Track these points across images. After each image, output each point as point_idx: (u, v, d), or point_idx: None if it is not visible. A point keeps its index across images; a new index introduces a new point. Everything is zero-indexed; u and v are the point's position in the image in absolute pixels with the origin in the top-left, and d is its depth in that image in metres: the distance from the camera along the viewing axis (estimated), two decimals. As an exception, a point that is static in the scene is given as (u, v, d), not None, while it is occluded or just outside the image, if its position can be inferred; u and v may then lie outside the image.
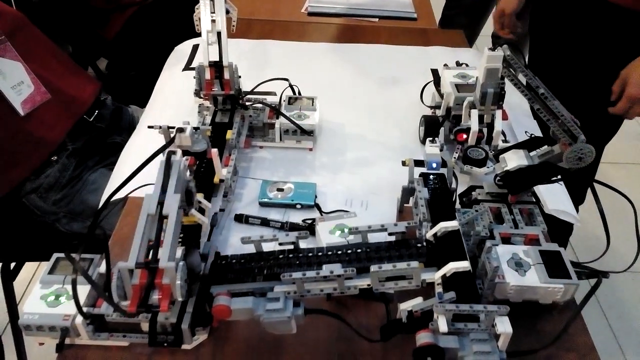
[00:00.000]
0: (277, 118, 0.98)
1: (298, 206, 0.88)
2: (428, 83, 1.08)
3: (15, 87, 1.04)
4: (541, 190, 0.89)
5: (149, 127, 0.80)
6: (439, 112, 1.00)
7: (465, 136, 0.87)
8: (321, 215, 0.87)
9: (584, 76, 1.18)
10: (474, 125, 0.74)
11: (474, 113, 0.74)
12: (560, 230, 0.84)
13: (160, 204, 0.60)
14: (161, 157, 0.67)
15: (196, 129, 0.77)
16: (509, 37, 1.34)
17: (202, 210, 0.73)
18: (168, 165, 0.63)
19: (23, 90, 1.06)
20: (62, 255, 0.71)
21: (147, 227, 0.58)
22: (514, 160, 0.77)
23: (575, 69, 1.18)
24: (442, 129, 0.95)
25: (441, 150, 0.85)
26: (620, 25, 1.09)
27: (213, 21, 0.89)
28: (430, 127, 0.97)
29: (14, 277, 1.24)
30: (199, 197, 0.71)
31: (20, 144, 1.06)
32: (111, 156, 1.18)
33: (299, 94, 1.08)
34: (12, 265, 1.23)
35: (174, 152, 0.65)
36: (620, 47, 1.13)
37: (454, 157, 0.91)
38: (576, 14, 1.15)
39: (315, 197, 0.90)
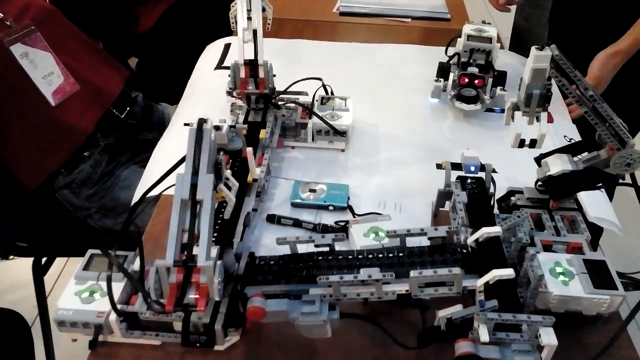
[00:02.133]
0: (310, 118, 0.97)
1: (330, 208, 0.87)
2: (454, 38, 1.15)
3: (45, 77, 1.06)
4: (582, 197, 0.85)
5: (185, 124, 0.79)
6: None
7: (467, 80, 1.02)
8: (354, 217, 0.85)
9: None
10: (518, 128, 0.71)
11: (518, 115, 0.71)
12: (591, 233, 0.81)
13: (193, 185, 0.57)
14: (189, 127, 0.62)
15: (232, 127, 0.76)
16: (505, 9, 1.30)
17: (228, 188, 0.68)
18: (200, 133, 0.59)
19: (53, 81, 1.08)
20: (96, 251, 0.71)
21: (181, 216, 0.56)
22: (557, 165, 0.75)
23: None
24: (452, 73, 1.06)
25: (444, 90, 1.06)
26: None
27: (249, 19, 0.88)
28: (442, 70, 1.10)
29: (45, 272, 1.26)
30: (228, 173, 0.67)
31: (52, 133, 1.07)
32: (142, 153, 1.19)
33: (332, 93, 1.07)
34: (44, 260, 1.25)
35: (204, 120, 0.61)
36: None
37: (450, 95, 1.05)
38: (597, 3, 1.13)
39: (348, 198, 0.88)
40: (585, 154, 0.77)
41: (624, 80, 1.14)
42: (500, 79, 1.07)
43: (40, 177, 1.09)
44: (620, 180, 0.75)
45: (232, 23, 0.92)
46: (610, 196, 1.28)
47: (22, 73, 1.02)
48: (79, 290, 0.67)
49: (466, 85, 1.03)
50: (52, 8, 1.11)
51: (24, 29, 1.03)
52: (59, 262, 1.39)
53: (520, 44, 1.55)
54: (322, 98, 1.03)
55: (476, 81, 1.03)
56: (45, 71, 1.06)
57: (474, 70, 1.04)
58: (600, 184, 0.76)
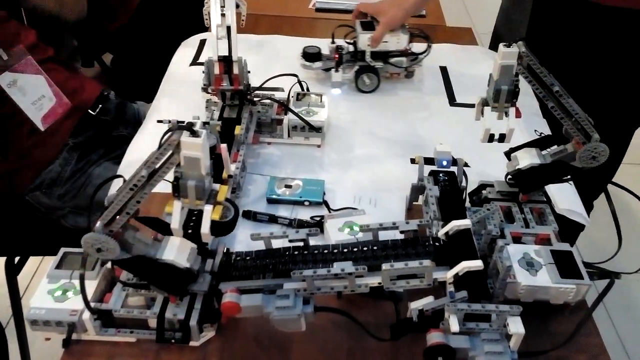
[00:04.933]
0: (286, 114, 0.97)
1: (306, 203, 0.88)
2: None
3: (35, 102, 1.03)
4: (551, 189, 0.87)
5: (158, 121, 0.79)
6: None
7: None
8: (330, 212, 0.86)
9: (594, 78, 1.15)
10: (487, 124, 0.73)
11: (487, 110, 0.73)
12: (569, 229, 0.83)
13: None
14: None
15: (206, 123, 0.76)
16: None
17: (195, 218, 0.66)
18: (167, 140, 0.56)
19: (44, 105, 1.04)
20: (69, 249, 0.71)
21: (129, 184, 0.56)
22: (526, 158, 0.76)
23: (583, 73, 1.15)
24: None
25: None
26: (622, 26, 1.07)
27: (223, 15, 0.88)
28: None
29: (17, 272, 1.24)
30: (220, 190, 0.60)
31: (33, 147, 1.06)
32: (117, 149, 1.17)
33: (308, 90, 1.07)
34: (16, 259, 1.23)
35: (191, 126, 0.55)
36: (625, 47, 1.11)
37: (300, 54, 1.16)
38: (576, 22, 1.13)
39: (324, 194, 0.89)
40: (555, 147, 0.79)
41: (616, 79, 1.14)
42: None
43: (19, 187, 1.07)
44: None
45: (206, 19, 0.92)
46: (598, 193, 1.28)
47: (9, 103, 0.99)
48: (51, 289, 0.67)
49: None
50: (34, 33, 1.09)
51: (17, 55, 1.00)
52: (33, 261, 1.37)
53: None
54: (298, 94, 1.03)
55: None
56: (35, 96, 1.03)
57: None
58: (568, 177, 0.79)
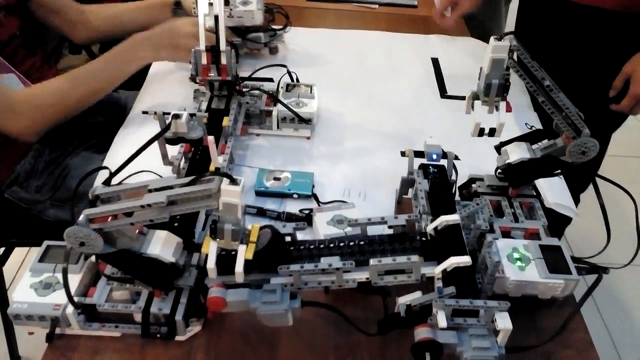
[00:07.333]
0: (275, 105, 0.96)
1: (295, 196, 0.87)
2: None
3: None
4: (541, 183, 0.88)
5: (144, 112, 0.77)
6: None
7: None
8: (319, 205, 0.85)
9: (578, 76, 1.15)
10: (478, 117, 0.72)
11: (478, 104, 0.72)
12: (557, 221, 0.83)
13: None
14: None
15: (192, 115, 0.75)
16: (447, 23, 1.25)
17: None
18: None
19: None
20: (53, 242, 0.70)
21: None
22: (516, 153, 0.76)
23: (567, 70, 1.13)
24: None
25: None
26: (610, 27, 1.07)
27: (210, 4, 0.86)
28: None
29: (3, 263, 1.22)
30: (253, 230, 0.60)
31: (6, 143, 1.03)
32: (93, 137, 1.14)
33: (297, 81, 1.06)
34: (1, 250, 1.21)
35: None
36: (614, 47, 1.11)
37: None
38: (563, 20, 1.13)
39: (313, 186, 0.88)
40: (545, 141, 0.78)
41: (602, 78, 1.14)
42: None
43: None
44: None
45: (194, 9, 0.90)
46: (586, 185, 1.28)
47: None
48: (34, 283, 0.66)
49: None
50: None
51: None
52: (20, 252, 1.35)
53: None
54: (288, 85, 1.02)
55: None
56: None
57: None
58: (558, 171, 0.78)
